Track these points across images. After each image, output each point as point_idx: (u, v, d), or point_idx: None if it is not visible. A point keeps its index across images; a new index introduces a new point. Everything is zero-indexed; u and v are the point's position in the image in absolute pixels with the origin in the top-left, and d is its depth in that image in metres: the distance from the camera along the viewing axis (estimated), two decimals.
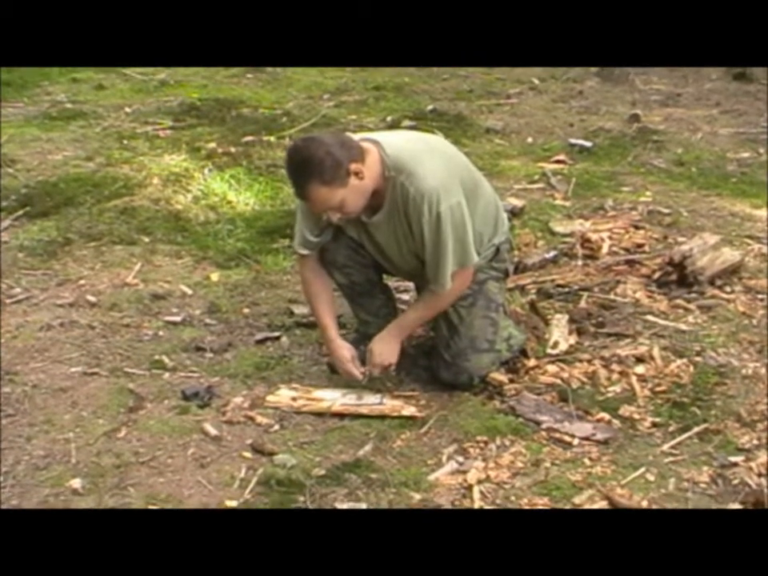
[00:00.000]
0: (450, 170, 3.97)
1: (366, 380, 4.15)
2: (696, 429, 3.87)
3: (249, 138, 7.34)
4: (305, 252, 4.21)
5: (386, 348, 4.14)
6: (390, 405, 4.03)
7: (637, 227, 5.75)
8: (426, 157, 3.96)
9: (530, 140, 7.77)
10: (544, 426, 3.91)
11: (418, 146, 4.06)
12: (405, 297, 4.84)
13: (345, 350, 4.19)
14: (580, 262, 5.31)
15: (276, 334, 4.67)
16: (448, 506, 3.46)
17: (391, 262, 4.20)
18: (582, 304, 4.83)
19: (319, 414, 4.01)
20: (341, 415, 4.00)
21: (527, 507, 3.44)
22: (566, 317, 4.63)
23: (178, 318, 4.84)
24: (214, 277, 5.30)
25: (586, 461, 3.71)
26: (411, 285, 4.78)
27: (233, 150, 7.04)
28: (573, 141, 7.53)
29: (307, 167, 3.75)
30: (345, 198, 3.81)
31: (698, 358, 4.33)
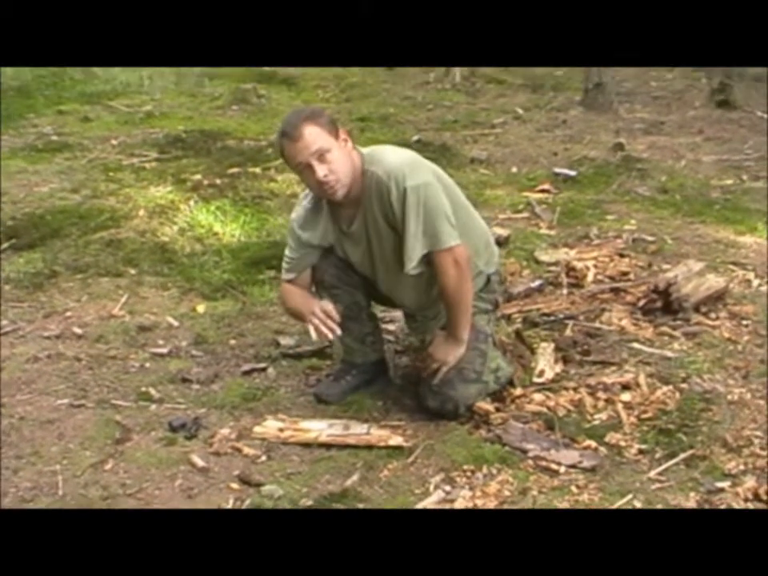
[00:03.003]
0: (420, 159, 4.07)
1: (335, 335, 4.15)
2: (682, 455, 3.87)
3: (234, 170, 7.37)
4: (288, 276, 4.26)
5: (449, 349, 4.14)
6: (376, 435, 4.02)
7: (622, 255, 5.78)
8: (398, 149, 4.11)
9: (514, 169, 7.80)
10: (531, 454, 3.91)
11: (394, 147, 4.21)
12: (390, 327, 4.85)
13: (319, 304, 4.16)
14: (565, 291, 5.32)
15: (262, 365, 4.67)
16: None
17: (378, 272, 4.20)
18: (568, 332, 4.85)
19: (306, 445, 4.01)
20: (328, 445, 3.99)
21: None
22: (552, 345, 4.64)
23: (164, 350, 4.83)
24: (201, 308, 5.30)
25: (573, 488, 3.70)
26: (397, 315, 4.80)
27: (218, 181, 7.07)
28: (557, 170, 7.57)
29: (305, 112, 4.04)
30: (333, 151, 3.90)
31: (683, 385, 4.34)
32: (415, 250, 3.94)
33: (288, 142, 3.92)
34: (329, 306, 4.11)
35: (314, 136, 3.87)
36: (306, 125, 3.88)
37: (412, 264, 3.97)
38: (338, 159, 3.90)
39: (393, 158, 3.97)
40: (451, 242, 3.95)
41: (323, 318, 4.08)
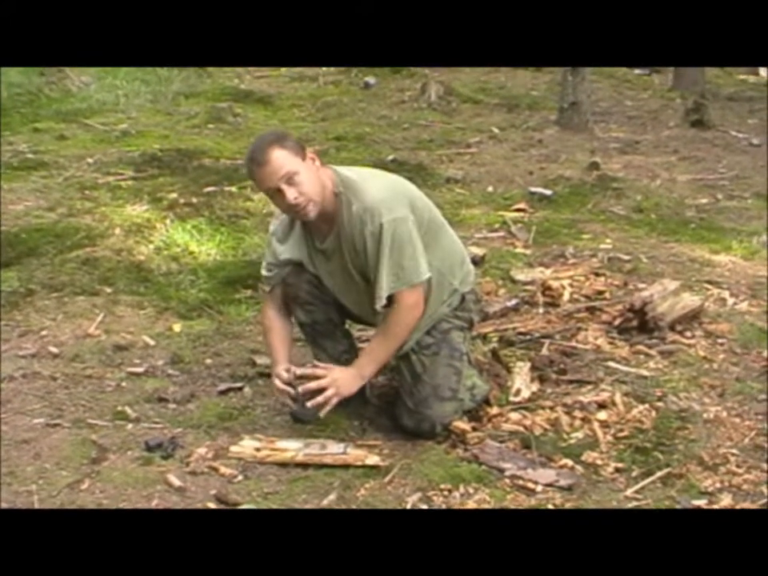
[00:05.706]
0: (397, 189, 4.09)
1: (300, 405, 4.13)
2: (659, 473, 3.88)
3: (210, 189, 7.36)
4: (268, 287, 4.30)
5: (345, 375, 4.13)
6: (353, 454, 4.02)
7: (597, 274, 5.80)
8: (374, 177, 4.13)
9: (490, 189, 7.82)
10: (507, 473, 3.91)
11: (370, 170, 4.25)
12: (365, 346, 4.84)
13: (284, 372, 4.16)
14: (541, 310, 5.34)
15: (239, 384, 4.66)
16: None
17: (349, 297, 4.22)
18: (544, 351, 4.85)
19: (283, 464, 4.00)
20: (304, 465, 3.98)
21: None
22: (528, 364, 4.64)
23: (140, 369, 4.82)
24: (177, 327, 5.29)
25: (550, 507, 3.71)
26: (372, 334, 4.79)
27: (194, 200, 7.05)
28: (533, 189, 7.60)
29: (270, 137, 4.04)
30: (301, 172, 3.92)
31: (659, 403, 4.35)
32: (387, 283, 3.97)
33: (256, 168, 3.97)
34: (287, 372, 4.13)
35: (281, 160, 3.91)
36: (273, 149, 3.91)
37: (382, 303, 4.01)
38: (307, 180, 3.93)
39: (369, 190, 3.98)
40: (418, 282, 4.01)
41: (282, 388, 4.14)
